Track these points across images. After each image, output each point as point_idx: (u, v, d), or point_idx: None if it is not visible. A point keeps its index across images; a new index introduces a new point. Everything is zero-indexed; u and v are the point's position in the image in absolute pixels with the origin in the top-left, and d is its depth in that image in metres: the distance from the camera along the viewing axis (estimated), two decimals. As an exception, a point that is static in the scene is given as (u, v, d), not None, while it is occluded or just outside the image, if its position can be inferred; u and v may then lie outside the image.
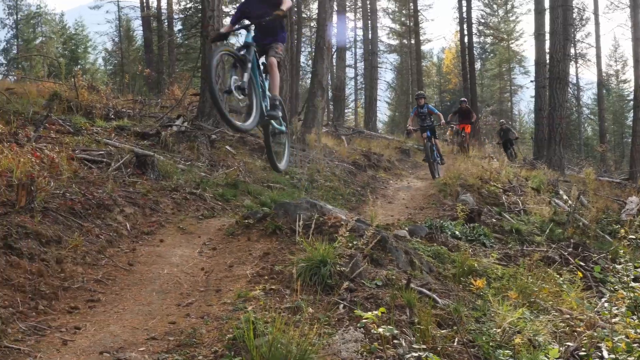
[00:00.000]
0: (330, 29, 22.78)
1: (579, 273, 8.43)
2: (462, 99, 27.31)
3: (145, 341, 5.44)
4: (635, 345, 5.20)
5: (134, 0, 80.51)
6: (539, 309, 6.93)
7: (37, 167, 9.46)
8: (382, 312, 4.93)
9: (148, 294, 6.77)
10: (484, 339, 5.85)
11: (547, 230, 13.22)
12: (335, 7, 27.34)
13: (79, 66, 50.28)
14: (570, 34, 29.42)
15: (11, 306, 5.91)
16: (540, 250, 10.98)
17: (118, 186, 10.55)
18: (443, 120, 19.90)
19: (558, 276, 8.39)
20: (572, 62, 44.97)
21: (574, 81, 48.84)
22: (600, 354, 5.62)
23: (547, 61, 28.82)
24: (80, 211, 8.75)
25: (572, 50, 42.43)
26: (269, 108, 8.91)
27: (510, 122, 58.50)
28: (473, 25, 44.66)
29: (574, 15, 31.33)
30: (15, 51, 51.72)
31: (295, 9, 35.86)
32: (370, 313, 4.79)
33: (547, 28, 29.02)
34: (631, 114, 43.74)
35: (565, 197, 17.80)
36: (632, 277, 5.86)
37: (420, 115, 19.49)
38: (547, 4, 28.78)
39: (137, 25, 51.02)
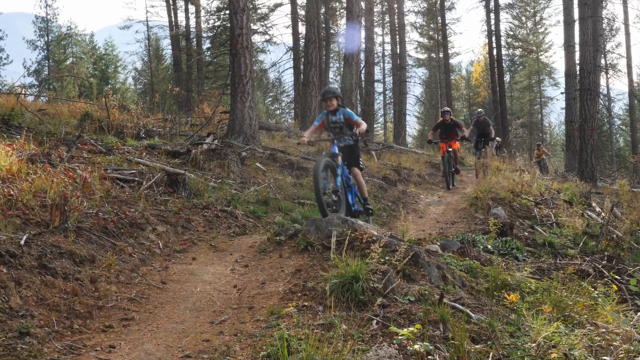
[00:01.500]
0: (360, 46, 22.76)
1: (614, 286, 8.32)
2: (444, 109, 21.65)
3: (179, 359, 5.46)
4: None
5: (163, 19, 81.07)
6: (574, 322, 6.85)
7: (70, 187, 9.56)
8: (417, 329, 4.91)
9: (181, 312, 6.79)
10: (518, 353, 5.79)
11: (581, 243, 13.08)
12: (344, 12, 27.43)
13: (109, 86, 50.82)
14: (600, 45, 29.28)
15: (47, 325, 5.96)
16: (574, 263, 10.88)
17: (150, 205, 10.62)
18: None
19: (592, 289, 8.29)
20: (603, 73, 44.59)
21: (605, 92, 48.46)
22: (637, 368, 5.55)
23: (578, 72, 28.62)
24: (113, 230, 8.82)
25: (603, 61, 42.13)
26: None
27: (541, 135, 58.19)
28: (502, 37, 44.46)
29: (604, 25, 31.15)
30: (46, 72, 52.26)
31: (323, 25, 35.97)
32: (406, 330, 4.78)
33: (576, 39, 28.83)
34: (664, 124, 43.32)
35: (598, 209, 17.64)
36: (668, 289, 5.79)
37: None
38: (576, 15, 28.62)
39: (166, 44, 51.54)
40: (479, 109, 27.63)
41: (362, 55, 29.68)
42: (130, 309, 6.87)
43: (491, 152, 25.23)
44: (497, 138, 25.75)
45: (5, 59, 51.59)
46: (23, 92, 19.99)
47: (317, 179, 9.82)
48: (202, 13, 43.66)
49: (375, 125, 51.82)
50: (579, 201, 18.07)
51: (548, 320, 6.31)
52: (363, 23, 27.76)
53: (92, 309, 6.63)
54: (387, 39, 53.18)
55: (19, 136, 12.44)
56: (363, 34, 29.50)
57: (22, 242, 7.11)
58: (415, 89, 58.56)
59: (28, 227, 7.78)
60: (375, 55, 47.76)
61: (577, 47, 28.84)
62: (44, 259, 6.97)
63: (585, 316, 7.12)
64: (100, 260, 7.66)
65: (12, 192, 8.57)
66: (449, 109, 21.90)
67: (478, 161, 23.34)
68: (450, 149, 20.56)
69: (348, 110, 11.23)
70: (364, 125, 10.94)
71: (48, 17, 53.51)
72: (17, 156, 10.15)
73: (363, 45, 32.60)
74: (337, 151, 10.85)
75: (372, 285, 6.41)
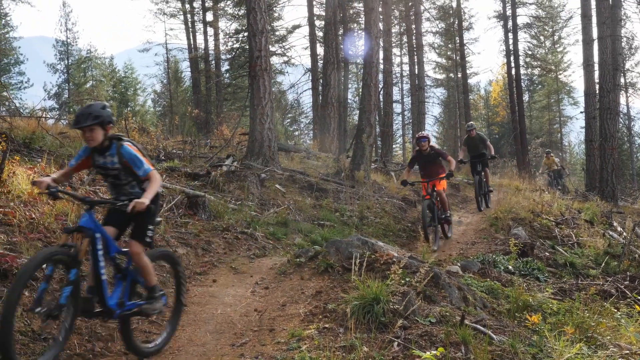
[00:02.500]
0: (378, 67, 22.82)
1: (637, 306, 8.26)
2: (421, 134, 15.59)
3: (201, 382, 5.47)
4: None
5: (181, 42, 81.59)
6: (597, 344, 6.80)
7: (92, 210, 9.60)
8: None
9: (202, 334, 6.80)
10: (541, 375, 5.76)
11: (602, 263, 13.00)
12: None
13: (128, 108, 51.14)
14: (619, 64, 29.18)
15: (69, 349, 5.98)
16: (596, 283, 10.81)
17: (170, 227, 10.66)
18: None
19: (615, 310, 8.24)
20: (622, 92, 44.43)
21: (625, 111, 48.25)
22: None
23: (597, 91, 28.50)
24: (134, 253, 8.85)
25: (622, 80, 41.96)
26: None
27: (559, 154, 57.92)
28: (520, 57, 44.33)
29: (623, 44, 31.07)
30: (66, 95, 52.63)
31: (342, 46, 36.06)
32: (428, 353, 4.75)
33: (595, 58, 28.72)
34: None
35: (619, 228, 17.52)
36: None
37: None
38: (595, 34, 28.54)
39: (185, 66, 51.79)
40: (470, 122, 22.53)
41: (380, 76, 29.68)
42: (151, 331, 6.89)
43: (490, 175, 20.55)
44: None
45: (26, 82, 52.02)
46: (44, 115, 20.12)
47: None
48: (221, 35, 43.95)
49: (394, 146, 51.79)
50: (600, 221, 17.97)
51: (570, 341, 6.27)
52: (381, 44, 27.82)
53: (113, 331, 6.66)
54: (405, 59, 53.22)
55: (40, 159, 12.52)
56: (381, 54, 29.53)
57: (44, 265, 7.14)
58: (433, 109, 58.69)
59: (50, 250, 7.81)
60: (394, 76, 47.77)
61: (596, 66, 28.72)
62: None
63: (608, 337, 7.07)
64: (121, 282, 7.68)
65: (33, 215, 8.62)
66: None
67: (479, 188, 19.19)
68: (434, 192, 14.67)
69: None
70: None
71: (68, 40, 53.99)
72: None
73: (381, 66, 32.61)
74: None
75: (392, 307, 6.40)
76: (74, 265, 5.60)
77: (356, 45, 42.05)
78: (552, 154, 31.04)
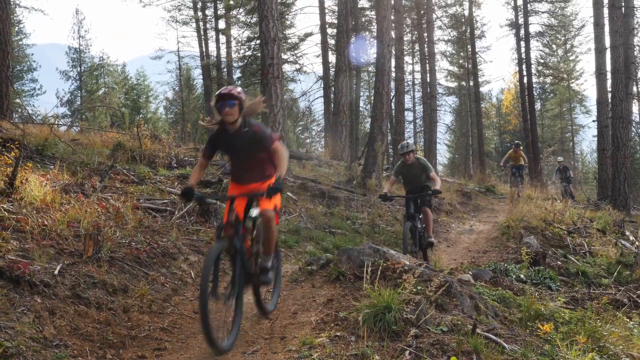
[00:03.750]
0: (390, 75, 22.83)
1: (650, 316, 8.23)
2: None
3: (212, 389, 5.47)
4: None
5: (194, 49, 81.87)
6: (609, 353, 6.77)
7: (103, 217, 9.64)
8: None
9: (213, 342, 6.80)
10: (553, 385, 5.74)
11: (615, 273, 12.95)
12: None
13: (140, 115, 51.23)
14: (632, 72, 29.03)
15: (80, 355, 6.00)
16: (608, 293, 10.78)
17: (182, 234, 10.68)
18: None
19: (628, 319, 8.21)
20: (635, 100, 44.22)
21: (638, 119, 48.06)
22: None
23: (609, 100, 28.41)
24: (145, 260, 8.88)
25: (635, 88, 41.78)
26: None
27: (571, 162, 57.76)
28: (532, 65, 44.25)
29: (636, 53, 30.90)
30: (79, 102, 52.84)
31: (353, 54, 36.10)
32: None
33: (608, 67, 28.64)
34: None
35: (631, 237, 17.46)
36: None
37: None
38: (607, 43, 28.45)
39: (197, 74, 51.92)
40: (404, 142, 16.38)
41: (392, 84, 29.67)
42: (162, 338, 6.90)
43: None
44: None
45: (38, 89, 52.31)
46: (56, 122, 20.20)
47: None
48: (233, 43, 44.06)
49: (405, 154, 51.68)
50: (612, 230, 17.90)
51: (583, 351, 6.25)
52: (393, 52, 27.79)
53: (125, 338, 6.67)
54: (417, 67, 53.18)
55: (52, 166, 12.58)
56: (393, 62, 29.49)
57: (56, 271, 7.18)
58: (445, 118, 58.37)
59: (62, 257, 7.85)
60: (406, 84, 47.80)
61: (608, 75, 28.64)
62: (77, 288, 7.03)
63: (621, 347, 7.03)
64: (133, 290, 7.71)
65: (46, 222, 8.65)
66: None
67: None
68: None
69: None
70: None
71: (81, 48, 54.20)
72: (51, 186, 10.25)
73: (393, 74, 32.61)
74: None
75: (405, 315, 6.39)
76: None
77: (368, 53, 42.11)
78: (521, 148, 30.00)
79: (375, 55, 27.26)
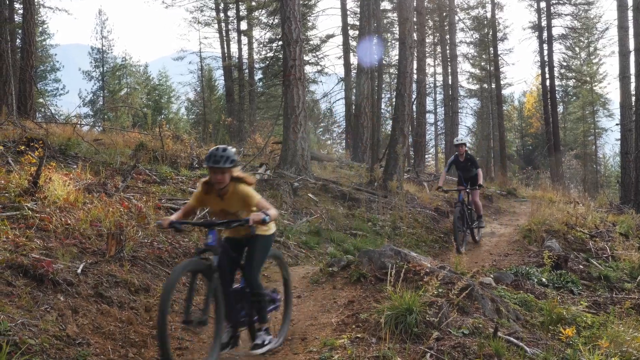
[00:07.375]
0: (412, 77, 22.79)
1: (673, 321, 8.16)
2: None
3: (233, 389, 5.48)
4: None
5: (215, 50, 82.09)
6: (632, 358, 6.73)
7: (126, 217, 9.69)
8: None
9: (235, 343, 6.81)
10: (575, 389, 5.71)
11: (638, 277, 12.85)
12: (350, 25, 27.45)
13: (162, 116, 51.42)
14: (656, 76, 28.84)
15: (102, 354, 6.02)
16: (631, 297, 10.69)
17: (203, 235, 10.68)
18: None
19: (651, 324, 8.14)
20: (659, 104, 43.98)
21: (661, 123, 47.72)
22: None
23: (633, 104, 28.27)
24: (167, 259, 8.92)
25: (659, 92, 41.56)
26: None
27: (594, 166, 57.40)
28: (555, 68, 44.06)
29: (660, 56, 30.73)
30: (101, 102, 53.08)
31: (375, 56, 36.09)
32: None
33: (632, 70, 28.47)
34: None
35: (655, 242, 17.32)
36: None
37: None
38: (631, 46, 28.29)
39: (218, 75, 51.89)
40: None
41: (413, 86, 29.61)
42: (184, 338, 6.92)
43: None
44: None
45: (61, 89, 52.57)
46: (79, 122, 20.34)
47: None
48: (255, 44, 44.12)
49: (426, 156, 51.62)
50: (636, 234, 17.75)
51: (605, 355, 6.21)
52: (415, 54, 27.74)
53: (147, 337, 6.70)
54: (439, 69, 53.14)
55: (75, 166, 12.65)
56: (415, 65, 29.46)
57: (79, 270, 7.22)
58: (467, 120, 58.14)
59: (85, 256, 7.90)
60: (427, 86, 47.70)
61: (632, 78, 28.47)
62: (100, 287, 7.08)
63: (644, 352, 6.98)
64: (155, 289, 7.74)
65: (69, 221, 8.71)
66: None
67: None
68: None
69: None
70: None
71: (104, 48, 54.45)
72: (74, 186, 10.32)
73: (415, 76, 32.55)
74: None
75: (426, 318, 6.38)
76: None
77: (389, 55, 42.06)
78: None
79: (397, 57, 27.23)
